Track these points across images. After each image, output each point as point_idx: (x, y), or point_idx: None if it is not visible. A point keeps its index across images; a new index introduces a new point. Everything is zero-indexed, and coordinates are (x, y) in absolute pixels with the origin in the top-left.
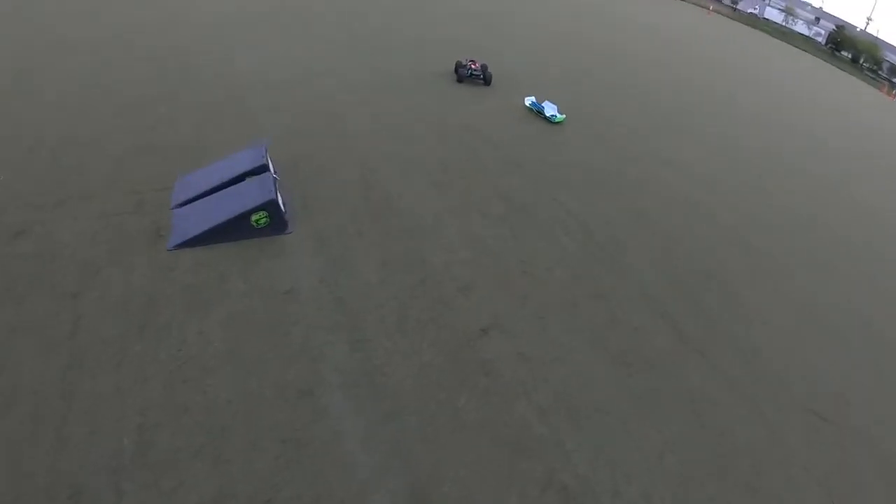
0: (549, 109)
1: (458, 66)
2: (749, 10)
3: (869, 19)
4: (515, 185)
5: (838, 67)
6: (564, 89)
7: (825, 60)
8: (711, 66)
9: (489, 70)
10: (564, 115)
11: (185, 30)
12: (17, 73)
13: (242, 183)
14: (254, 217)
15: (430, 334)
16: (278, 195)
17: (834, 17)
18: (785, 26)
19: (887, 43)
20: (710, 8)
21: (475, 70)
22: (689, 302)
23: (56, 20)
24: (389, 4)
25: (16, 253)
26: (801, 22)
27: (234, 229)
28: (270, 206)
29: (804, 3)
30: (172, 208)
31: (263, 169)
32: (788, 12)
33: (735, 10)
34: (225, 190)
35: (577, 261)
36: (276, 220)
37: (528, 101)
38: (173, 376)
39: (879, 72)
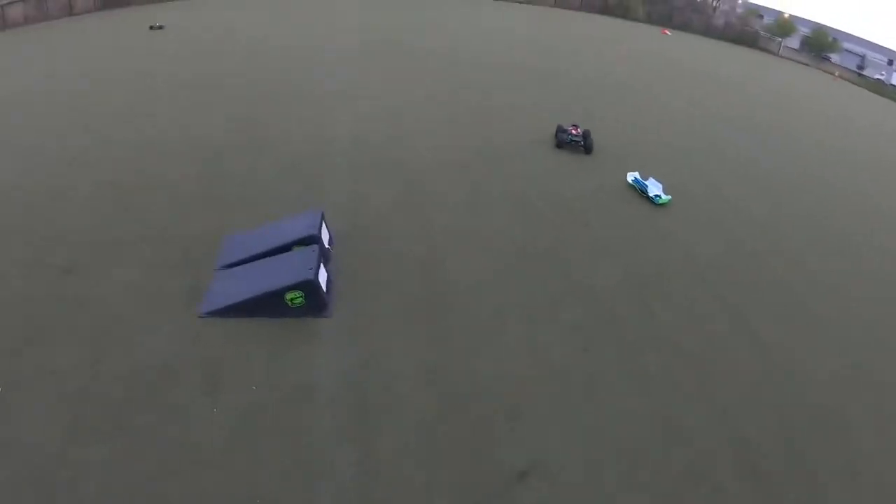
0: (654, 188)
1: (559, 131)
2: (876, 76)
3: None
4: (600, 282)
5: None
6: (674, 163)
7: None
8: (842, 139)
9: (591, 137)
10: (670, 196)
11: (283, 79)
12: (116, 115)
13: (286, 254)
14: (288, 296)
15: (456, 470)
16: (322, 272)
17: None
18: None
19: None
20: (836, 74)
21: (575, 136)
22: (791, 457)
23: (166, 59)
24: (501, 63)
25: (60, 293)
26: None
27: (268, 305)
28: (307, 287)
29: None
30: (216, 269)
31: (313, 240)
32: None
33: (861, 76)
34: (268, 259)
35: (658, 389)
36: (313, 301)
37: (631, 177)
38: (166, 462)
39: None
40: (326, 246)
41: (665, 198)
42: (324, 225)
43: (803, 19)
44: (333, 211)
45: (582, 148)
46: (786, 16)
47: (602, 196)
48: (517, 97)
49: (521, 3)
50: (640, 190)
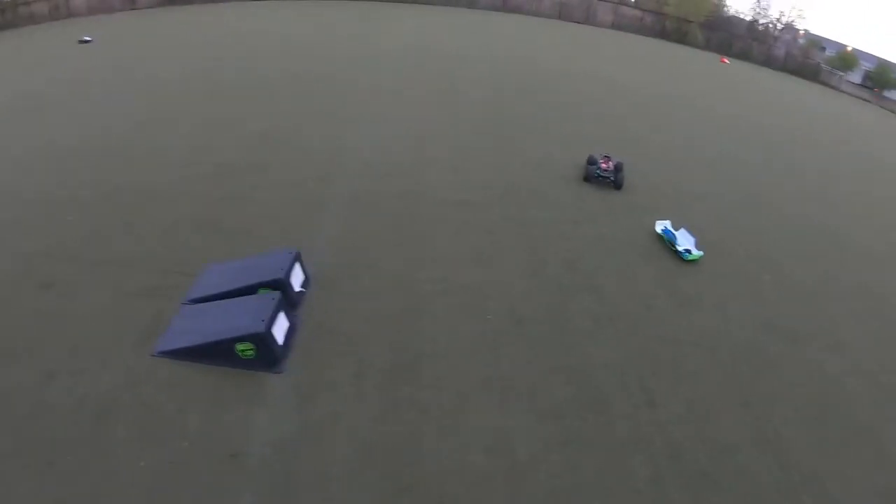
0: (683, 242)
1: (589, 163)
2: None
3: None
4: (599, 358)
5: None
6: (716, 209)
7: None
8: None
9: (623, 172)
10: (702, 252)
11: (309, 93)
12: (133, 120)
13: (247, 298)
14: (239, 346)
15: None
16: (281, 322)
17: None
18: None
19: None
20: None
21: (604, 172)
22: None
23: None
24: (546, 84)
25: (33, 310)
26: None
27: (219, 354)
28: (257, 340)
29: None
30: (184, 302)
31: (278, 285)
32: None
33: None
34: (229, 301)
35: None
36: (264, 355)
37: (661, 226)
38: None
39: None
40: (298, 289)
41: (696, 254)
42: (297, 267)
43: (866, 53)
44: (324, 247)
45: (611, 183)
46: (849, 49)
47: (624, 248)
48: (555, 121)
49: (578, 23)
50: (668, 241)
